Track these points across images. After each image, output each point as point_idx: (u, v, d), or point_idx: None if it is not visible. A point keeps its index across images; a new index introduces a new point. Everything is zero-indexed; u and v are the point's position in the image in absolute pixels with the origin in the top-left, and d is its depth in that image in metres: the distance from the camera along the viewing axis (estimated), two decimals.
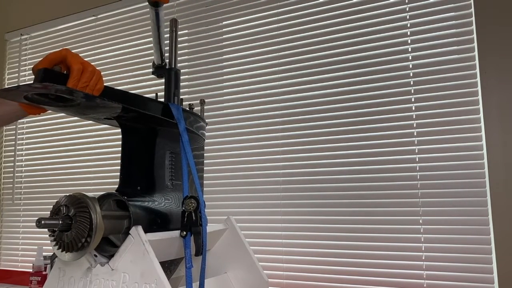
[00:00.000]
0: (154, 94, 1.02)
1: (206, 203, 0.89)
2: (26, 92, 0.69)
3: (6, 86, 0.70)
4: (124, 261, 0.75)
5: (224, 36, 1.69)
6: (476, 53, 1.28)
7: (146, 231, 0.76)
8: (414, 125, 1.33)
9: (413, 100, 1.34)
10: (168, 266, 0.90)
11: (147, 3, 0.93)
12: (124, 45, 1.90)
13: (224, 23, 1.70)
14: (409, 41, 1.37)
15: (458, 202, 1.26)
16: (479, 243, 1.23)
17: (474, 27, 1.29)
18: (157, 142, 0.88)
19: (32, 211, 2.08)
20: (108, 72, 1.92)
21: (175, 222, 0.86)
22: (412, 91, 1.35)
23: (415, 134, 1.33)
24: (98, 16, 1.99)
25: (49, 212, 0.74)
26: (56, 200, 0.74)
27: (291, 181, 1.50)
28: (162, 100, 0.96)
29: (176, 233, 0.80)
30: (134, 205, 0.79)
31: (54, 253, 0.85)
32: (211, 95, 1.67)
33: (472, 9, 1.29)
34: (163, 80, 1.00)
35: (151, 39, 0.97)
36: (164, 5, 0.92)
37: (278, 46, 1.57)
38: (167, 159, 0.89)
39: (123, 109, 0.80)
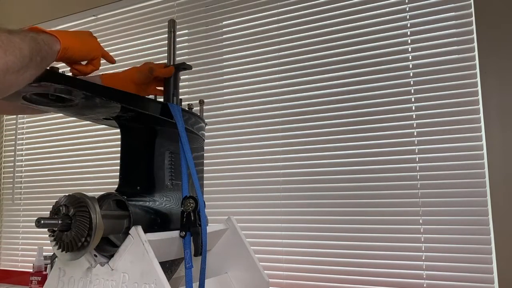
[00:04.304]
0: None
1: (206, 203, 0.89)
2: (24, 93, 0.69)
3: None
4: (124, 261, 0.75)
5: (224, 36, 1.69)
6: (476, 53, 1.27)
7: (146, 231, 0.76)
8: (414, 125, 1.33)
9: (413, 100, 1.34)
10: (169, 267, 0.90)
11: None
12: (123, 45, 1.90)
13: (224, 23, 1.70)
14: (409, 41, 1.36)
15: (458, 202, 1.26)
16: (479, 243, 1.22)
17: (474, 27, 1.29)
18: (157, 142, 0.88)
19: (32, 211, 2.08)
20: (108, 72, 1.91)
21: (175, 222, 0.86)
22: (412, 91, 1.34)
23: (415, 134, 1.33)
24: (98, 16, 1.99)
25: (49, 212, 0.74)
26: (56, 200, 0.74)
27: (291, 181, 1.50)
28: (161, 100, 0.96)
29: (176, 233, 0.80)
30: (134, 205, 0.79)
31: (54, 253, 0.85)
32: (210, 95, 1.67)
33: (472, 9, 1.29)
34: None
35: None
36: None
37: (278, 46, 1.57)
38: (167, 159, 0.89)
39: (122, 108, 0.80)
